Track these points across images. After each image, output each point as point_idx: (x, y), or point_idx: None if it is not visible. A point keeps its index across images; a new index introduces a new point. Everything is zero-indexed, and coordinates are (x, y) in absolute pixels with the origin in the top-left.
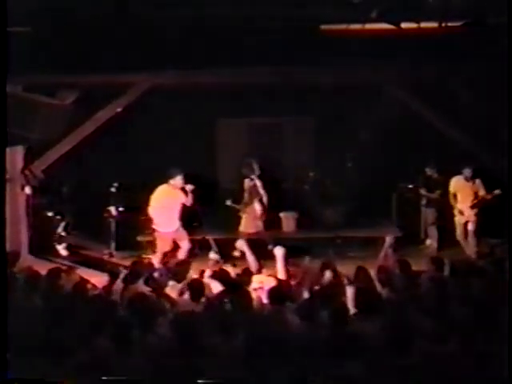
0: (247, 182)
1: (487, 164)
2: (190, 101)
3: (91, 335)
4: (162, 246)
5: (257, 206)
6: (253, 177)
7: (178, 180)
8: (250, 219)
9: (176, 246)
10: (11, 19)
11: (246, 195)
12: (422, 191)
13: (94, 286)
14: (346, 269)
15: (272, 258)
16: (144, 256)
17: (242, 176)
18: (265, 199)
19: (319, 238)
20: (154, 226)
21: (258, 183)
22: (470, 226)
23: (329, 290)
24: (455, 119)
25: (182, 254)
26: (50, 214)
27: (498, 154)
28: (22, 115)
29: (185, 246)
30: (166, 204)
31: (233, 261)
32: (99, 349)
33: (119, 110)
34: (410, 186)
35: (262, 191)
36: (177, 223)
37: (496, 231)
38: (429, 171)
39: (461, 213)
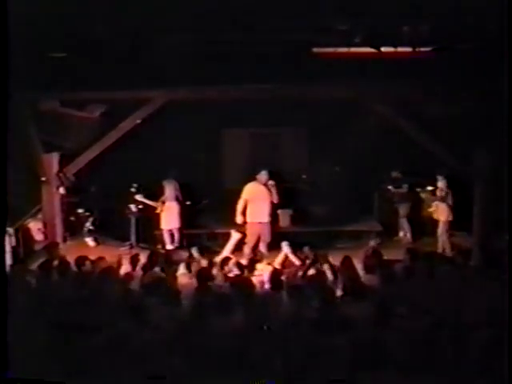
0: (167, 184)
1: (455, 169)
2: (200, 113)
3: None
4: (250, 237)
5: (174, 205)
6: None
7: (262, 175)
8: (168, 216)
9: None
10: (50, 45)
11: (165, 195)
12: (390, 188)
13: (118, 272)
14: (335, 258)
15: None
16: (159, 248)
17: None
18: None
19: (311, 232)
20: (247, 219)
21: (177, 186)
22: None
23: (319, 277)
24: (427, 129)
25: (262, 248)
26: (80, 210)
27: (463, 160)
28: (58, 127)
29: (266, 239)
30: (257, 198)
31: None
32: (122, 329)
33: (139, 121)
34: (389, 188)
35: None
36: (266, 217)
37: (461, 225)
38: (394, 173)
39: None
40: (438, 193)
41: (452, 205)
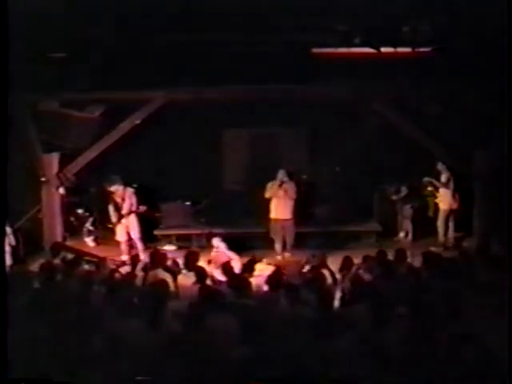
0: (119, 195)
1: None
2: (200, 113)
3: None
4: (275, 234)
5: (131, 217)
6: (120, 188)
7: (280, 174)
8: (123, 228)
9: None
10: (50, 45)
11: (124, 206)
12: (394, 197)
13: (120, 273)
14: (335, 258)
15: None
16: (159, 247)
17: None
18: (142, 208)
19: (311, 232)
20: (270, 215)
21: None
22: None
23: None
24: (427, 129)
25: (288, 245)
26: (80, 210)
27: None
28: (58, 127)
29: (288, 236)
30: (277, 196)
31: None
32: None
33: (138, 121)
34: (392, 197)
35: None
36: (289, 214)
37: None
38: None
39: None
40: (442, 179)
41: (454, 192)
